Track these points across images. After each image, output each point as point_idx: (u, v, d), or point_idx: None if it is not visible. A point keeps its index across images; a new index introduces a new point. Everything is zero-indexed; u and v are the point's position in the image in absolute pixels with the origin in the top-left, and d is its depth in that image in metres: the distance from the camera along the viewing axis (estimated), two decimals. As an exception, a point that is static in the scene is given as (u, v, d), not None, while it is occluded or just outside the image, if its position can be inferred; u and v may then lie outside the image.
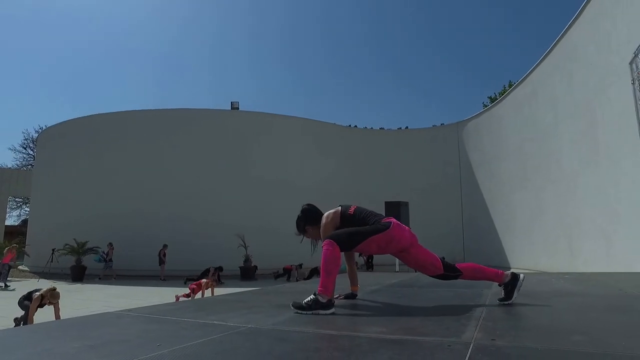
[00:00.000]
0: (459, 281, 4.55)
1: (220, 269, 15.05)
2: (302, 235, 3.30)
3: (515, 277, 2.85)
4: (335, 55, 72.73)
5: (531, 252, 15.38)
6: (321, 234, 3.07)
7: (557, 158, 13.73)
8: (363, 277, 5.92)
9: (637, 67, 7.22)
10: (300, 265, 15.99)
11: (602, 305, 2.99)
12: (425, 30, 68.97)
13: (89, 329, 2.30)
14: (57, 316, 6.62)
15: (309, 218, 3.20)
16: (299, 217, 3.24)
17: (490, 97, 33.19)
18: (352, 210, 3.05)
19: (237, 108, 21.58)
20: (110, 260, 16.64)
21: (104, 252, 16.80)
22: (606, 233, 10.84)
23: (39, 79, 65.92)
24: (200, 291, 9.45)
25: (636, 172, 9.57)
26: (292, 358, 1.63)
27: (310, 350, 1.75)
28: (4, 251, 15.25)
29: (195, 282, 9.93)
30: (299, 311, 2.61)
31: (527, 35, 59.86)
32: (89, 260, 16.91)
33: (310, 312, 2.57)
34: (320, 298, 2.60)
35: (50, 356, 1.70)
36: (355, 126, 24.77)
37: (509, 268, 15.71)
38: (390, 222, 2.89)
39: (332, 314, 2.59)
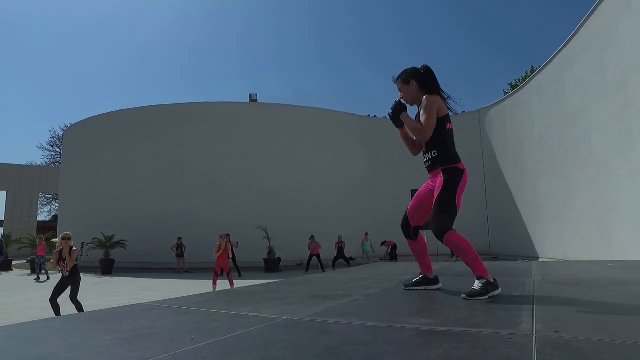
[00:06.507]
0: (498, 269, 4.34)
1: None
2: (398, 86, 2.86)
3: (430, 281, 2.97)
4: (355, 43, 72.04)
5: (560, 240, 14.92)
6: (423, 109, 2.67)
7: (586, 142, 13.24)
8: (392, 267, 5.77)
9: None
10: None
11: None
12: (446, 18, 67.66)
13: (119, 321, 2.21)
14: (73, 260, 6.82)
15: (421, 78, 2.75)
16: (411, 68, 2.82)
17: (510, 84, 32.32)
18: (450, 126, 2.75)
19: (256, 100, 21.54)
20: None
21: None
22: (642, 218, 10.40)
23: (64, 77, 67.09)
24: (221, 259, 9.87)
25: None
26: (338, 352, 1.49)
27: (357, 343, 1.60)
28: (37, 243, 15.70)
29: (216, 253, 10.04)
30: (477, 298, 2.51)
31: (550, 20, 58.13)
32: (116, 254, 17.26)
33: (487, 296, 2.49)
34: (489, 279, 2.54)
35: (82, 349, 1.60)
36: (375, 116, 24.47)
37: (537, 257, 15.33)
38: (463, 169, 2.74)
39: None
